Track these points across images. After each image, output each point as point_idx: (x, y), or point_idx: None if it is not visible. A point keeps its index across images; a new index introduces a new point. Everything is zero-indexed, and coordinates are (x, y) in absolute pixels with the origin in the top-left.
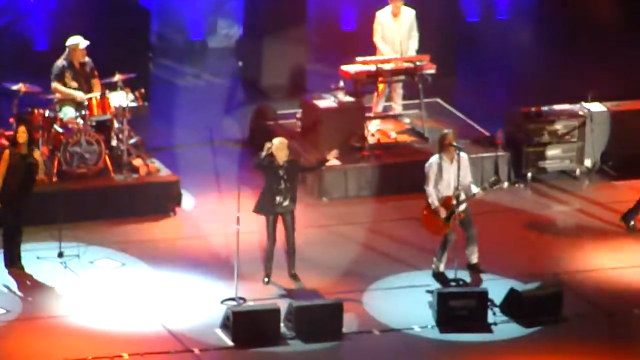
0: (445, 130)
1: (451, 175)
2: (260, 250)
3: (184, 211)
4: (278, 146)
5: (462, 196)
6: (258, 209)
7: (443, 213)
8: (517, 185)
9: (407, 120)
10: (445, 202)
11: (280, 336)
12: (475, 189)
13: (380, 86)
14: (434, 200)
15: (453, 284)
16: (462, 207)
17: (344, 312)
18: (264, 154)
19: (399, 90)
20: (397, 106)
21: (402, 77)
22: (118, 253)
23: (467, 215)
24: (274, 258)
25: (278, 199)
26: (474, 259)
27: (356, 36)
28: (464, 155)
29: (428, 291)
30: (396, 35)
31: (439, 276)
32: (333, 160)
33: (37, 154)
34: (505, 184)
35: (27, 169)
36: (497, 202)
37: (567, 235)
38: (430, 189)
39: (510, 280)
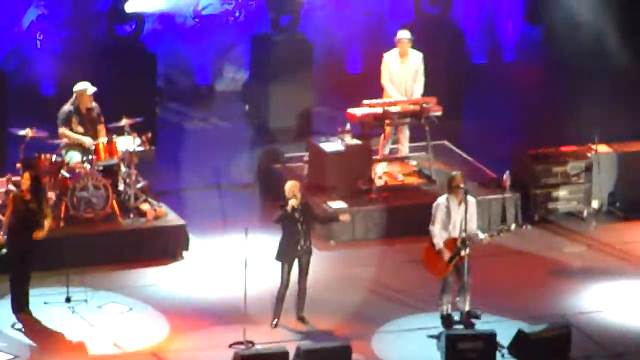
0: (454, 173)
1: (457, 217)
2: (268, 293)
3: (191, 255)
4: (292, 189)
5: (468, 242)
6: (279, 257)
7: (447, 254)
8: (524, 227)
9: (414, 163)
10: (449, 243)
11: None
12: (482, 235)
13: (387, 129)
14: (438, 241)
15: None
16: (466, 250)
17: (353, 355)
18: (287, 209)
19: (405, 132)
20: (404, 148)
21: (408, 120)
22: (125, 297)
23: (465, 263)
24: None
25: (301, 242)
26: (467, 307)
27: (363, 79)
28: (471, 200)
29: (430, 336)
30: (403, 77)
31: (446, 319)
32: (340, 204)
33: (47, 208)
34: (513, 226)
35: (30, 216)
36: (505, 244)
37: (575, 277)
38: (435, 229)
39: (518, 322)
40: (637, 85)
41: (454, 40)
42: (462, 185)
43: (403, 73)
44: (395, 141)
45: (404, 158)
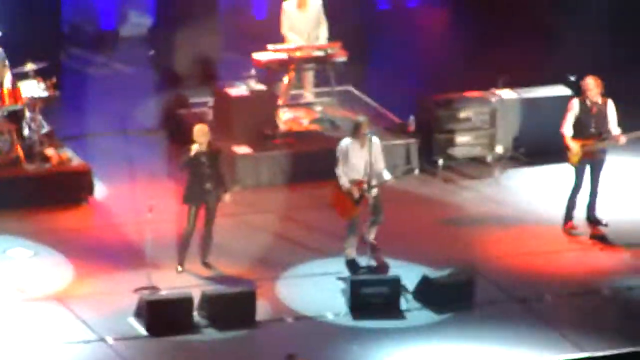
0: (360, 118)
1: (361, 161)
2: (173, 238)
3: (96, 200)
4: (199, 133)
5: (374, 181)
6: (186, 199)
7: (356, 192)
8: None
9: (318, 109)
10: (357, 184)
11: (194, 324)
12: (387, 176)
13: (291, 74)
14: (345, 181)
15: (363, 270)
16: (374, 192)
17: (257, 300)
18: (190, 154)
19: (310, 78)
20: (309, 94)
21: (313, 65)
22: (30, 242)
23: (378, 202)
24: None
25: (204, 185)
26: (371, 236)
27: (268, 24)
28: (376, 141)
29: (339, 278)
30: (304, 25)
31: (350, 263)
32: (245, 149)
33: None
34: (417, 171)
35: None
36: (408, 190)
37: (478, 222)
38: (339, 170)
39: (422, 267)
40: (541, 31)
41: None
42: (366, 132)
43: (303, 21)
44: (300, 87)
45: (308, 104)
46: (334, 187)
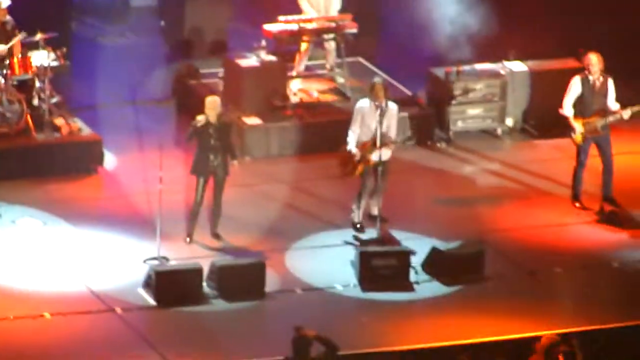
0: (376, 79)
1: (373, 122)
2: (183, 209)
3: (106, 170)
4: (209, 105)
5: (378, 143)
6: (194, 171)
7: (357, 155)
8: (434, 144)
9: (341, 80)
10: (362, 146)
11: (203, 295)
12: (393, 136)
13: (303, 45)
14: (351, 142)
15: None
16: (383, 155)
17: (267, 271)
18: (196, 125)
19: (331, 49)
20: (330, 63)
21: (324, 36)
22: (40, 212)
23: (384, 168)
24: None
25: (212, 157)
26: (375, 210)
27: None
28: (392, 107)
29: (346, 242)
30: None
31: (355, 226)
32: (255, 120)
33: None
34: (428, 142)
35: None
36: (418, 161)
37: (488, 195)
38: (351, 130)
39: (432, 239)
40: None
41: None
42: (380, 94)
43: None
44: (318, 57)
45: (318, 75)
46: (344, 147)
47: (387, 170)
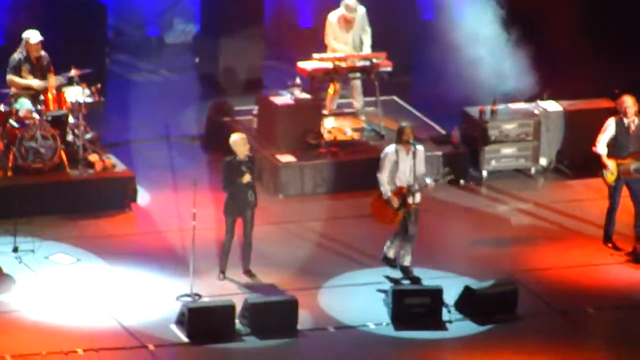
0: (403, 124)
1: (406, 167)
2: (215, 246)
3: (139, 207)
4: (238, 142)
5: (416, 187)
6: (227, 210)
7: (395, 202)
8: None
9: (363, 118)
10: (397, 192)
11: (235, 332)
12: (428, 180)
13: (336, 83)
14: (386, 189)
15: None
16: (416, 198)
17: (299, 309)
18: (233, 166)
19: (358, 87)
20: (357, 103)
21: (358, 75)
22: (73, 248)
23: (415, 213)
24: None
25: (242, 194)
26: (407, 261)
27: (314, 33)
28: (420, 148)
29: (379, 290)
30: (349, 36)
31: (387, 261)
32: (289, 157)
33: None
34: (462, 182)
35: None
36: (452, 201)
37: (521, 234)
38: (383, 177)
39: (465, 278)
40: (590, 45)
41: None
42: (411, 140)
43: (348, 32)
44: (349, 96)
45: (355, 112)
46: (376, 194)
47: (417, 215)
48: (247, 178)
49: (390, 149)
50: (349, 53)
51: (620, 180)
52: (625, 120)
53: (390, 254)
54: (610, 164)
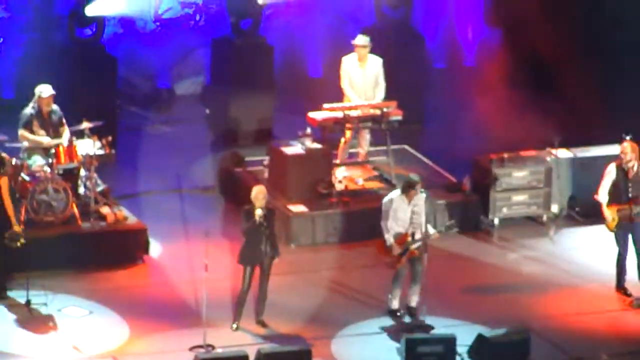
0: (414, 177)
1: (407, 214)
2: (229, 297)
3: (152, 259)
4: (259, 195)
5: (417, 235)
6: (242, 260)
7: (397, 250)
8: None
9: (374, 167)
10: (400, 239)
11: None
12: (432, 230)
13: (347, 133)
14: (389, 237)
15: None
16: (417, 244)
17: (313, 359)
18: (255, 219)
19: (366, 136)
20: (365, 152)
21: (369, 124)
22: (85, 301)
23: (420, 254)
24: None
25: (259, 245)
26: (414, 301)
27: (323, 82)
28: (422, 196)
29: (381, 328)
30: (362, 82)
31: (392, 313)
32: (300, 207)
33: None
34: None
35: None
36: (463, 248)
37: (533, 282)
38: (385, 224)
39: (477, 326)
40: (598, 90)
41: (414, 44)
42: (420, 191)
43: (362, 78)
44: (356, 145)
45: (364, 162)
46: (380, 240)
47: (423, 257)
48: (262, 231)
49: (393, 195)
50: (360, 102)
51: (623, 226)
52: (624, 166)
53: (394, 304)
54: (609, 212)
